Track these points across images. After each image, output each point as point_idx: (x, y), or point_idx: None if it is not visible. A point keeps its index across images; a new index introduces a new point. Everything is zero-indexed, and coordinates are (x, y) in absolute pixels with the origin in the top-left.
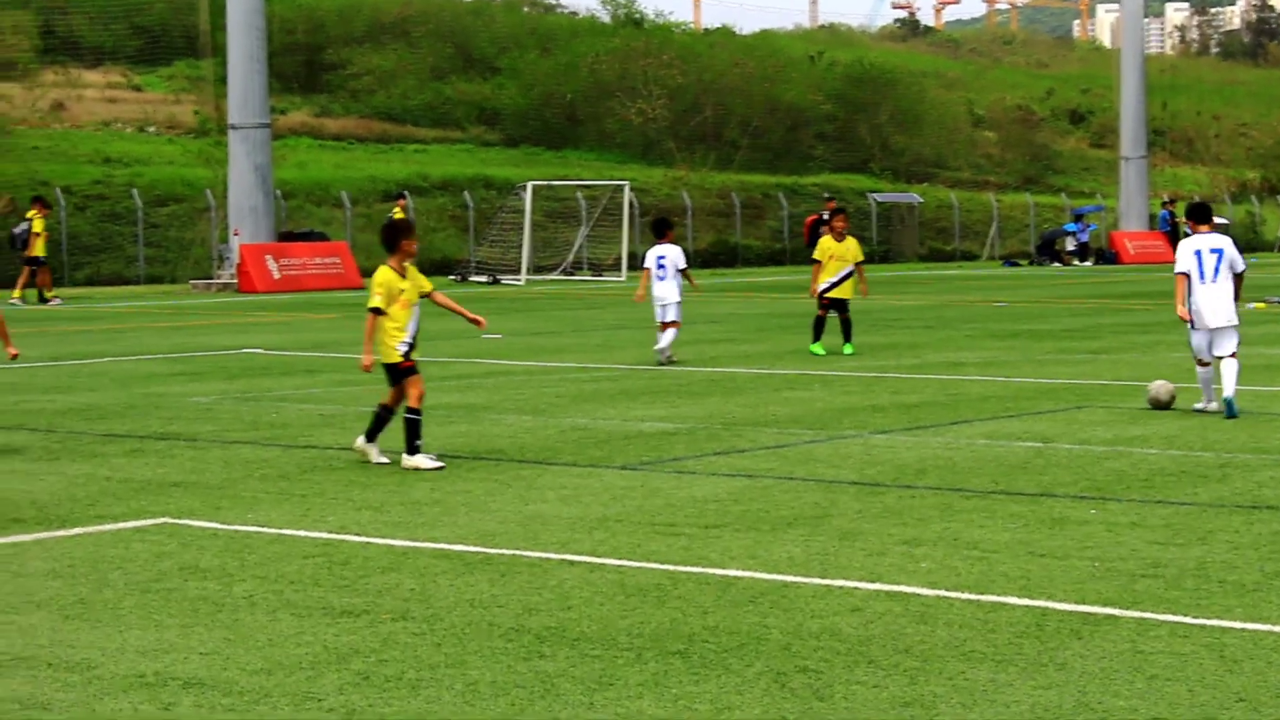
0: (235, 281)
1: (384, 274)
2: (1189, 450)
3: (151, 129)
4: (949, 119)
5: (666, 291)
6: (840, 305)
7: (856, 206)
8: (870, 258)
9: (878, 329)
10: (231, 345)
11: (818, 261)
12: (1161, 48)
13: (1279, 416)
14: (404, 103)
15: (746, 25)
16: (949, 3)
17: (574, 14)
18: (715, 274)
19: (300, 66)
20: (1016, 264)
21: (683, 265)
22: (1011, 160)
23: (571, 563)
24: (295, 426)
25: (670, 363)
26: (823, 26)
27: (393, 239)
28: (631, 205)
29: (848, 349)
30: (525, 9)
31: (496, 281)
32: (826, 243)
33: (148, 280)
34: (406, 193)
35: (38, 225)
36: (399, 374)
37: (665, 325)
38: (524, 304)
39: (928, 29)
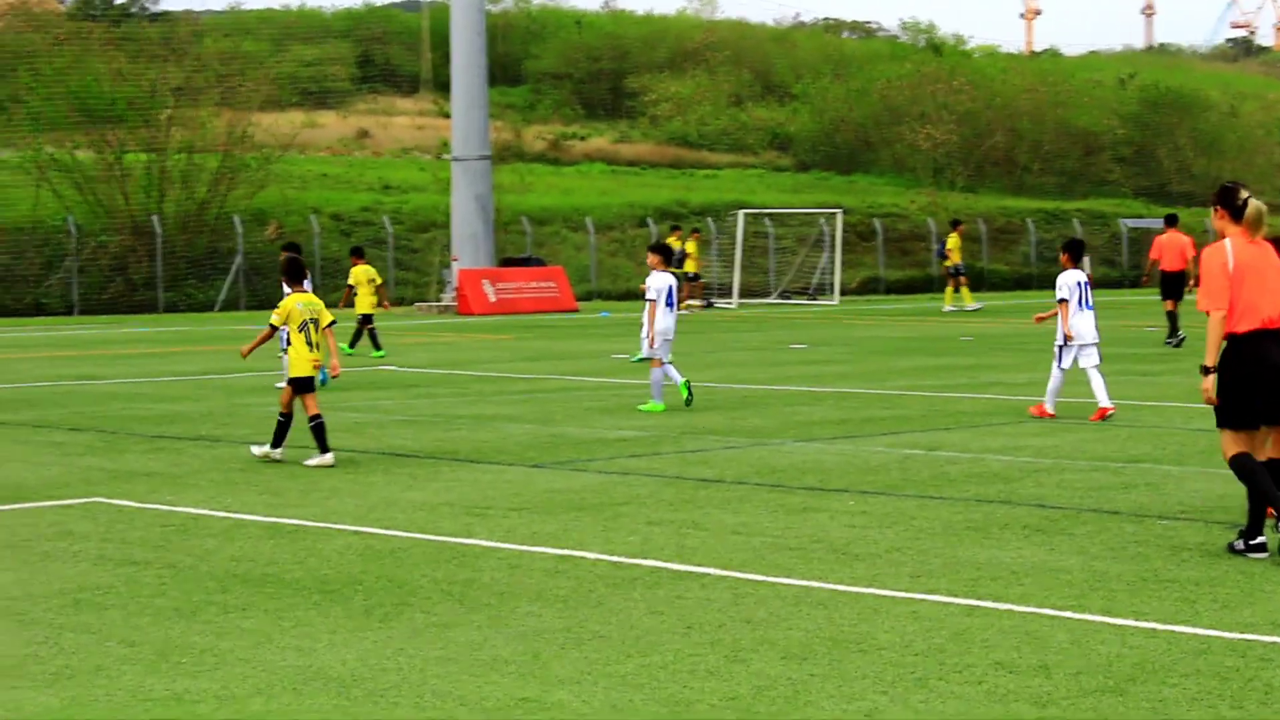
0: (455, 304)
1: None
2: None
3: (439, 156)
4: (1252, 141)
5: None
6: None
7: (1113, 231)
8: (1120, 282)
9: None
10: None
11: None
12: None
13: None
14: (700, 128)
15: (1075, 48)
16: None
17: (872, 37)
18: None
19: (606, 93)
20: None
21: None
22: None
23: None
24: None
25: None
26: (1151, 48)
27: None
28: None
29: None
30: (825, 34)
31: (710, 305)
32: None
33: (394, 303)
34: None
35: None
36: None
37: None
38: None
39: (1261, 49)
